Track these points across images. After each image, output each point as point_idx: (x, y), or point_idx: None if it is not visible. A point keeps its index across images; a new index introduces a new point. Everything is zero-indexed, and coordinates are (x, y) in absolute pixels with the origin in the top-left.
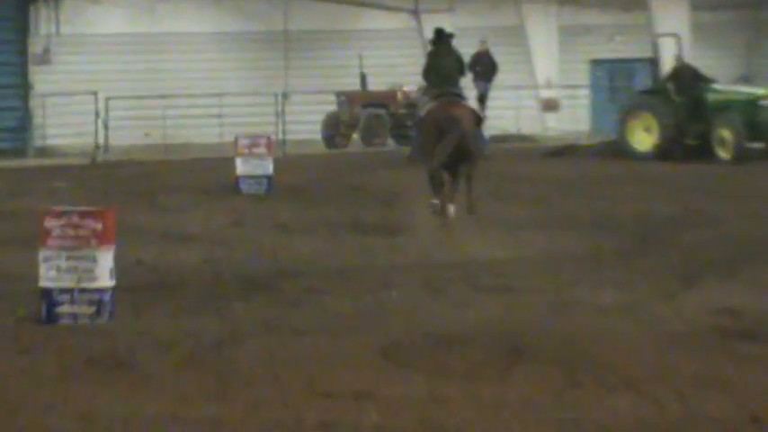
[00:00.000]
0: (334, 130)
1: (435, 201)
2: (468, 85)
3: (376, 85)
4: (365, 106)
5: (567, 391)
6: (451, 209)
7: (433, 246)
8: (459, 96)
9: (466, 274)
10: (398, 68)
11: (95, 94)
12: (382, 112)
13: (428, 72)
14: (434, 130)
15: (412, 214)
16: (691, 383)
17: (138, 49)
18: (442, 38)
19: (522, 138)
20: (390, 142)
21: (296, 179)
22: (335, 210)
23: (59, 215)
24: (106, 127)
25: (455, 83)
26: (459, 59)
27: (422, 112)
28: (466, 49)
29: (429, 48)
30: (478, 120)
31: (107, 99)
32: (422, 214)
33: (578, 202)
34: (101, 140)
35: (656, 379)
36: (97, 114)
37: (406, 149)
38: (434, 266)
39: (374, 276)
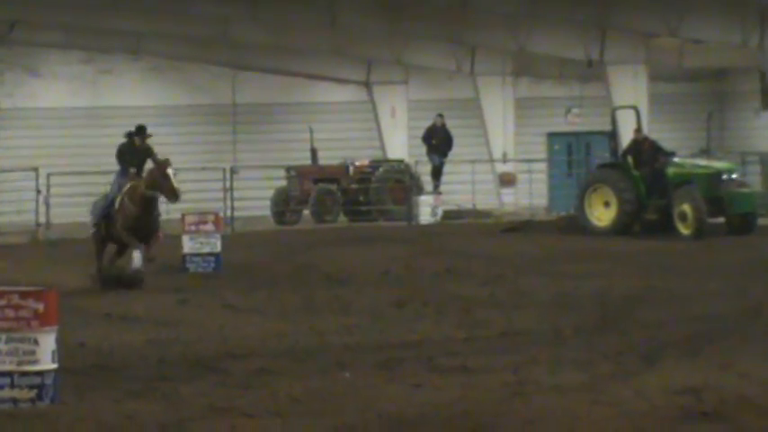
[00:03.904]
0: (284, 206)
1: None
2: (422, 159)
3: (327, 159)
4: (316, 181)
5: None
6: None
7: (387, 325)
8: None
9: (421, 354)
10: (350, 142)
11: (36, 170)
12: (333, 187)
13: None
14: None
15: (365, 293)
16: None
17: (81, 123)
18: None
19: (477, 213)
20: (342, 218)
21: (245, 257)
22: (286, 289)
23: None
24: (48, 204)
25: None
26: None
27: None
28: (420, 122)
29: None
30: None
31: (48, 175)
32: (375, 293)
33: (536, 280)
34: (42, 218)
35: None
36: (38, 191)
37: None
38: (388, 346)
39: (326, 357)
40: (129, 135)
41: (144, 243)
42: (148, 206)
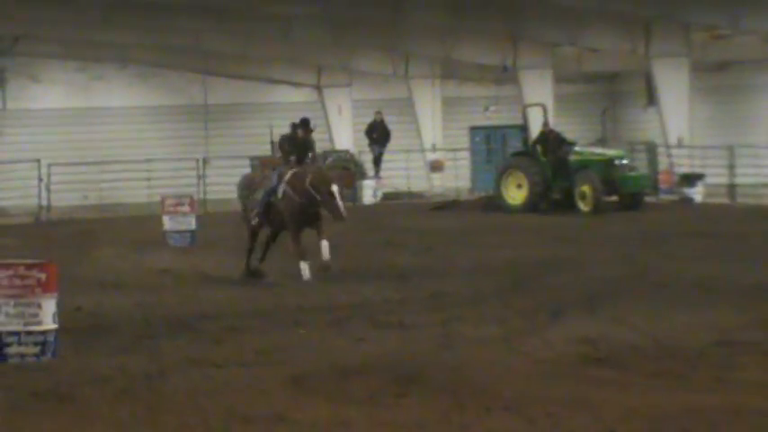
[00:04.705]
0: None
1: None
2: (365, 149)
3: None
4: (275, 169)
5: (454, 413)
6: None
7: (335, 289)
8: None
9: (365, 313)
10: None
11: (38, 161)
12: None
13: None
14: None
15: (316, 263)
16: (558, 404)
17: (76, 121)
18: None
19: (411, 194)
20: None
21: (216, 233)
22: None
23: (7, 267)
24: (48, 190)
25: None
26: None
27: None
28: (363, 118)
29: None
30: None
31: (49, 166)
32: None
33: (461, 250)
34: (44, 202)
35: (529, 401)
36: (40, 179)
37: None
38: (337, 307)
39: (285, 316)
40: (294, 126)
41: (315, 228)
42: (312, 198)
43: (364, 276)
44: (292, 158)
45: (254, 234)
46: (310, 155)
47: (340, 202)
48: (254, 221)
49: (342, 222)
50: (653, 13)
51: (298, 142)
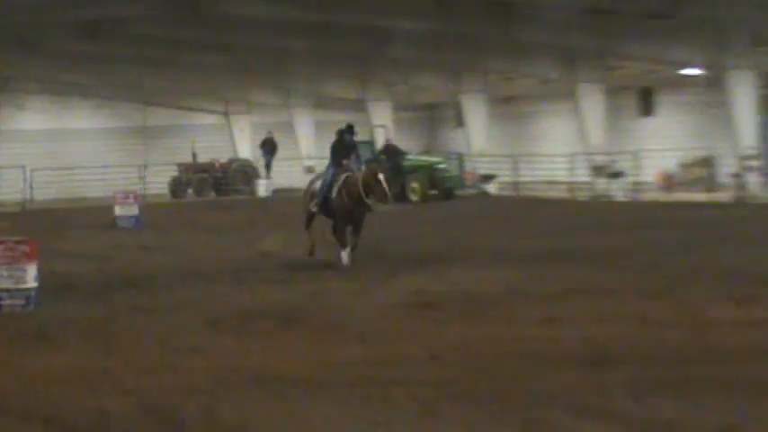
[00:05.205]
0: (176, 187)
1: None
2: (260, 158)
3: (202, 159)
4: (195, 172)
5: (322, 343)
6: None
7: (239, 255)
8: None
9: (261, 272)
10: (215, 148)
11: (24, 167)
12: (206, 175)
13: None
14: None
15: (228, 237)
16: (396, 336)
17: (51, 139)
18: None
19: (292, 190)
20: (212, 194)
21: (153, 218)
22: (179, 236)
23: (2, 243)
24: (31, 188)
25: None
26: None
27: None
28: (258, 136)
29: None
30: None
31: (32, 171)
32: (232, 236)
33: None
34: (28, 197)
35: (375, 334)
36: (25, 180)
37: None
38: (240, 270)
39: (203, 276)
40: (340, 132)
41: (354, 230)
42: (361, 201)
43: (261, 246)
44: (345, 162)
45: (310, 219)
46: (353, 156)
47: (385, 187)
48: (314, 209)
49: (387, 204)
50: (461, 62)
51: (346, 145)
